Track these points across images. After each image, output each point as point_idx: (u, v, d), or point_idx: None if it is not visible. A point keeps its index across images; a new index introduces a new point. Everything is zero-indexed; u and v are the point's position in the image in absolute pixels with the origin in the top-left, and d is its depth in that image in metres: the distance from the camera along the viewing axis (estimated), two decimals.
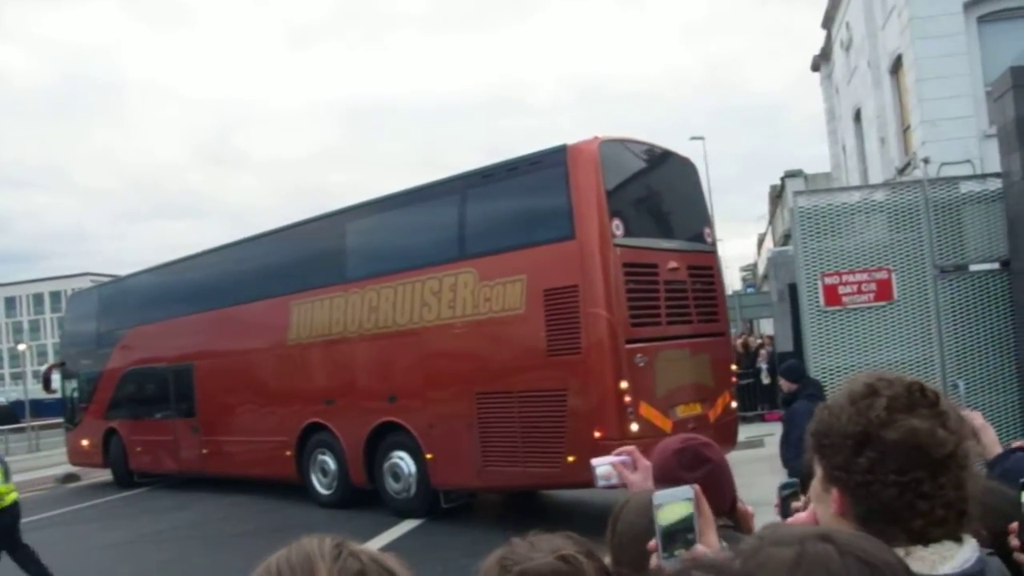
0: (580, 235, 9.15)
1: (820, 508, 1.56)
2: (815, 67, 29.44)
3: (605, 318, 8.93)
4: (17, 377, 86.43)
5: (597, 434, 8.78)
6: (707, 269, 10.71)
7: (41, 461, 23.21)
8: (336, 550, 1.18)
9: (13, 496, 9.01)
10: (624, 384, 8.89)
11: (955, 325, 10.23)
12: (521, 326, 9.52)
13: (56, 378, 18.88)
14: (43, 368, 21.34)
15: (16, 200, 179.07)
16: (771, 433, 12.31)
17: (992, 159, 11.89)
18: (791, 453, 7.76)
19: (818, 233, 10.62)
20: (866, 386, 1.49)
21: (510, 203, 10.24)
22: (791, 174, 31.42)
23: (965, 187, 10.69)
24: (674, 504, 1.86)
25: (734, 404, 10.95)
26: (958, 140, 14.14)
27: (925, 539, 1.39)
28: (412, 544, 9.78)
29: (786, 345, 15.93)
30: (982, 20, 15.75)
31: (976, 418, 2.49)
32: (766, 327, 26.39)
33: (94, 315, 17.58)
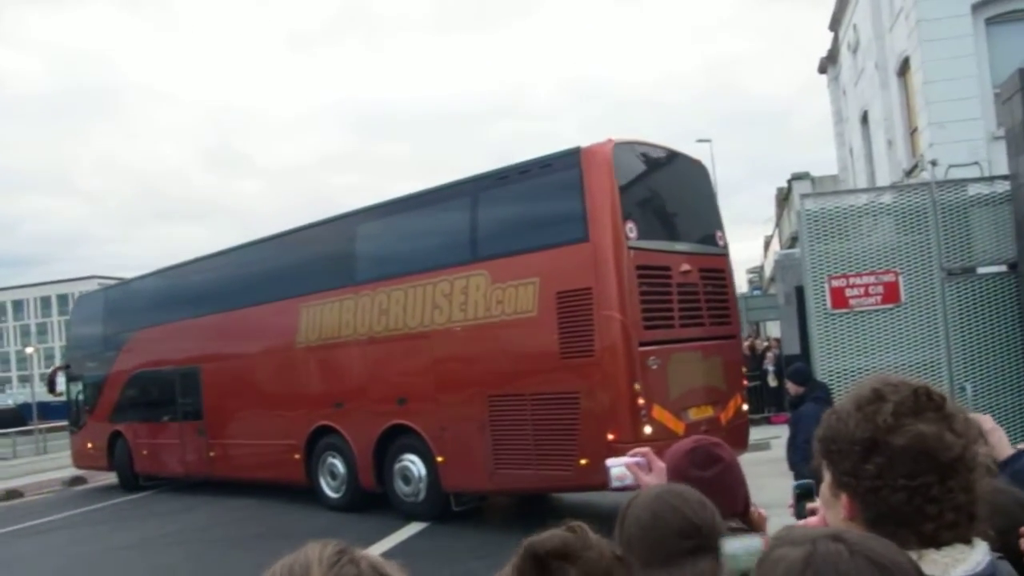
0: (594, 237, 9.15)
1: (830, 513, 1.56)
2: (822, 69, 29.36)
3: (619, 321, 8.93)
4: (25, 380, 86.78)
5: (610, 436, 8.78)
6: (719, 272, 10.70)
7: (48, 464, 23.27)
8: (335, 556, 1.19)
9: None
10: (638, 386, 8.89)
11: (962, 328, 10.19)
12: (534, 329, 9.51)
13: (61, 380, 18.89)
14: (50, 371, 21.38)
15: (20, 204, 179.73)
16: (777, 436, 12.28)
17: (1000, 161, 11.84)
18: (798, 456, 7.74)
19: (825, 236, 10.59)
20: (872, 391, 1.49)
21: (523, 205, 10.24)
22: (798, 176, 31.33)
23: (973, 189, 10.65)
24: (747, 556, 1.93)
25: (745, 407, 10.93)
26: (966, 142, 14.08)
27: (936, 543, 1.38)
28: (419, 547, 9.78)
29: (793, 348, 15.91)
30: (990, 22, 15.69)
31: (986, 421, 2.48)
32: (773, 330, 26.35)
33: (100, 318, 17.59)
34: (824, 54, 28.32)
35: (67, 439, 19.36)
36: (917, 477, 1.40)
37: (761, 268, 49.94)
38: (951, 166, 12.26)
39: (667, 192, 10.45)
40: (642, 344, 9.06)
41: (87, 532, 12.80)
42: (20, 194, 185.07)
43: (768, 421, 17.24)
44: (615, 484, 2.50)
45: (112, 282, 24.30)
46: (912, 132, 18.32)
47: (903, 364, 9.96)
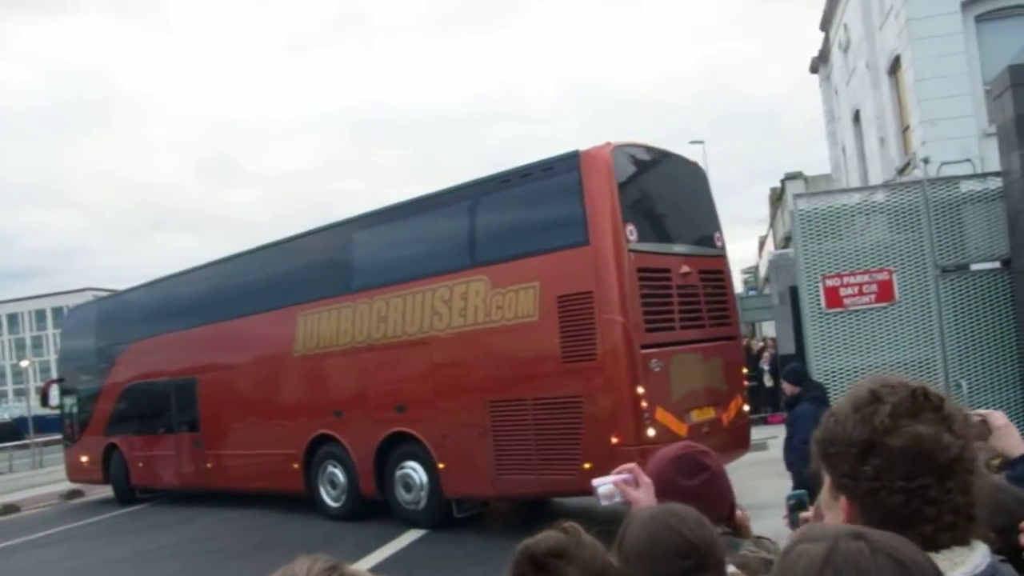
0: (595, 241, 9.14)
1: (829, 516, 1.55)
2: (814, 69, 29.44)
3: (621, 324, 8.91)
4: (20, 393, 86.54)
5: (614, 440, 8.76)
6: (718, 273, 10.72)
7: (45, 477, 23.22)
8: (328, 573, 1.16)
9: None
10: (641, 389, 8.88)
11: (957, 325, 10.20)
12: (534, 333, 9.49)
13: (55, 394, 18.78)
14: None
15: (17, 217, 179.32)
16: (774, 436, 12.27)
17: (992, 158, 11.86)
18: (795, 456, 7.74)
19: (818, 235, 10.59)
20: (870, 392, 1.48)
21: (522, 210, 10.22)
22: (791, 176, 31.41)
23: (965, 186, 10.66)
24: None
25: (747, 407, 10.94)
26: (958, 139, 14.11)
27: (935, 545, 1.36)
28: (417, 554, 9.76)
29: (788, 348, 15.92)
30: (980, 19, 15.74)
31: (998, 418, 2.46)
32: (768, 330, 26.35)
33: (93, 330, 17.48)
34: (815, 54, 28.39)
35: (63, 453, 19.24)
36: (915, 479, 1.39)
37: (756, 268, 50.01)
38: (943, 163, 12.27)
39: (665, 194, 10.44)
40: (644, 347, 9.05)
41: (83, 546, 12.74)
42: (17, 207, 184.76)
43: (765, 421, 17.23)
44: (603, 502, 2.49)
45: (106, 294, 24.18)
46: (904, 130, 18.37)
47: (898, 362, 9.95)
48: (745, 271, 58.39)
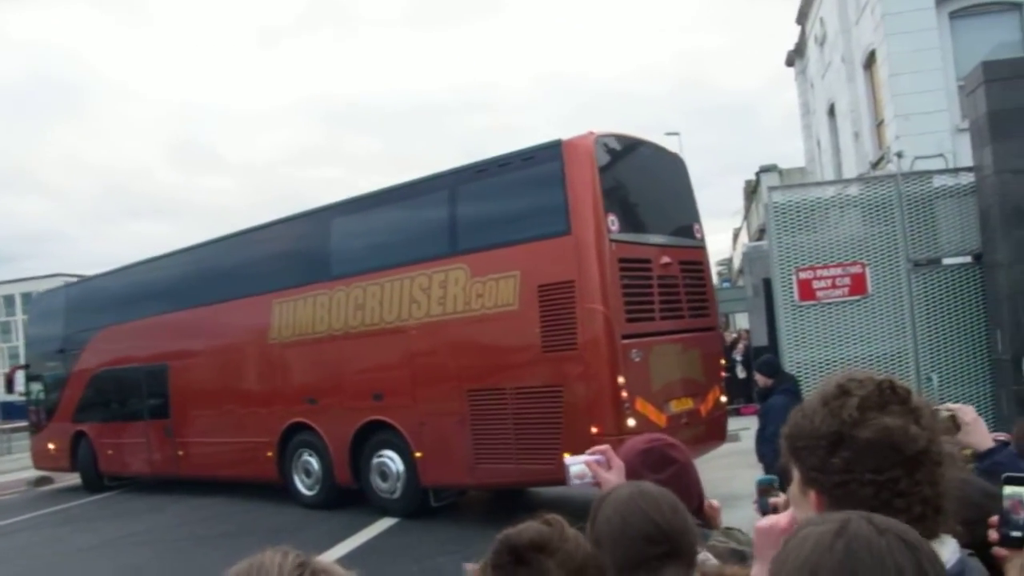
0: (576, 230, 9.11)
1: (799, 512, 1.54)
2: (789, 62, 29.56)
3: (602, 313, 8.92)
4: None
5: (594, 430, 8.76)
6: (697, 264, 10.75)
7: (12, 464, 22.92)
8: (297, 570, 1.13)
9: None
10: (621, 379, 8.88)
11: (928, 318, 10.29)
12: (515, 322, 9.46)
13: (20, 380, 18.50)
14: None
15: None
16: (747, 427, 12.34)
17: (964, 153, 11.96)
18: (767, 448, 7.78)
19: (793, 228, 10.64)
20: (838, 387, 1.50)
21: (503, 199, 10.18)
22: (766, 169, 31.53)
23: (938, 181, 10.75)
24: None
25: (724, 399, 11.00)
26: (931, 134, 14.22)
27: None
28: (389, 543, 9.73)
29: (761, 340, 16.00)
30: (954, 16, 15.87)
31: (967, 412, 2.48)
32: (741, 321, 26.51)
33: (61, 316, 17.24)
34: (792, 47, 28.50)
35: (29, 440, 18.99)
36: (884, 471, 1.40)
37: (730, 260, 50.30)
38: (916, 158, 12.35)
39: (647, 185, 10.44)
40: (625, 337, 9.06)
41: (51, 534, 12.59)
42: None
43: (737, 412, 17.30)
44: (575, 482, 2.49)
45: (76, 280, 23.84)
46: (878, 124, 18.50)
47: (870, 355, 10.04)
48: (719, 263, 58.71)
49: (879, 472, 1.40)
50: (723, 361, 11.78)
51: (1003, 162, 9.46)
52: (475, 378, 9.86)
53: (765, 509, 2.23)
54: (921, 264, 10.44)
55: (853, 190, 11.39)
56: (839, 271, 10.41)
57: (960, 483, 1.61)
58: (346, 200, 12.08)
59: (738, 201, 40.42)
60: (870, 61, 18.42)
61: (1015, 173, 9.39)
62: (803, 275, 10.48)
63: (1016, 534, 1.59)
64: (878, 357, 10.03)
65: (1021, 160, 9.36)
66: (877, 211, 10.50)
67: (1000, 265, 9.64)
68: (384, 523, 10.55)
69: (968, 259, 10.45)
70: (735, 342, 20.33)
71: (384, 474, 10.90)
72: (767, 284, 12.70)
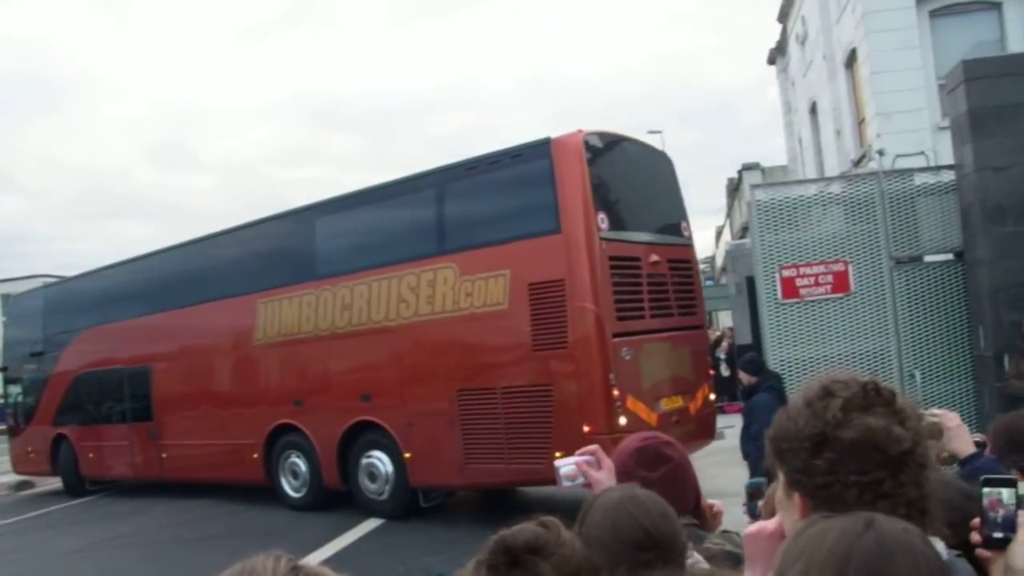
0: (566, 229, 9.11)
1: (784, 516, 1.54)
2: (771, 60, 29.65)
3: (593, 312, 8.92)
4: None
5: (586, 428, 8.77)
6: (686, 262, 10.82)
7: None
8: (292, 574, 1.12)
9: None
10: (612, 377, 8.90)
11: (911, 316, 10.34)
12: (504, 321, 9.46)
13: None
14: None
15: None
16: (731, 425, 12.38)
17: (945, 151, 12.04)
18: (751, 446, 7.81)
19: (775, 226, 10.67)
20: (822, 388, 1.50)
21: (492, 197, 10.17)
22: (748, 167, 31.67)
23: (919, 179, 10.80)
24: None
25: (713, 396, 11.04)
26: (912, 132, 14.31)
27: None
28: (375, 543, 9.71)
29: (744, 338, 16.05)
30: (934, 14, 15.97)
31: (951, 419, 2.50)
32: (724, 319, 26.61)
33: (40, 317, 17.05)
34: (773, 45, 28.60)
35: (8, 443, 18.78)
36: (868, 472, 1.40)
37: (712, 258, 50.44)
38: (897, 156, 12.44)
39: (636, 183, 10.45)
40: (615, 335, 9.08)
41: (34, 538, 12.48)
42: None
43: (721, 411, 17.33)
44: (565, 483, 2.48)
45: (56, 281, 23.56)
46: (860, 122, 18.58)
47: (853, 353, 10.09)
48: (702, 261, 58.87)
49: (863, 473, 1.40)
50: (711, 359, 11.83)
51: (984, 160, 9.52)
52: (464, 377, 9.84)
53: (754, 513, 2.24)
54: (903, 262, 10.49)
55: (835, 188, 11.43)
56: (822, 269, 10.45)
57: (942, 485, 1.62)
58: (333, 198, 12.01)
59: (720, 199, 40.60)
60: (851, 59, 18.51)
61: (996, 171, 9.45)
62: (786, 273, 10.51)
63: (998, 535, 1.60)
64: (861, 355, 10.07)
65: (1001, 158, 9.42)
66: (859, 209, 10.55)
67: (981, 262, 9.70)
68: (370, 524, 10.53)
69: (950, 256, 10.51)
70: (719, 340, 20.38)
71: (373, 475, 10.86)
72: (750, 282, 12.74)
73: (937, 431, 2.42)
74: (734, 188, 35.72)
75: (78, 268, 17.24)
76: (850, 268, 10.42)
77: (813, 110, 23.62)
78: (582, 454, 2.50)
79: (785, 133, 29.58)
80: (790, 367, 10.00)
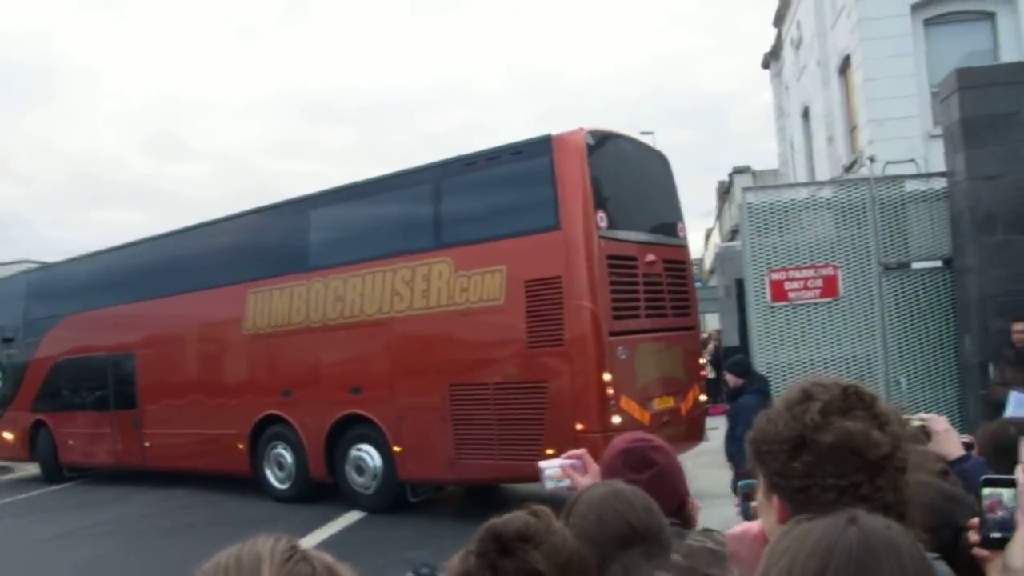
0: (566, 226, 9.12)
1: (764, 518, 1.55)
2: (765, 64, 29.71)
3: (590, 310, 8.92)
4: None
5: (579, 426, 8.77)
6: (680, 263, 10.81)
7: None
8: (288, 552, 1.13)
9: None
10: (607, 376, 8.91)
11: (898, 322, 10.38)
12: (500, 317, 9.44)
13: None
14: None
15: None
16: (715, 427, 12.38)
17: (936, 159, 12.07)
18: (736, 448, 7.80)
19: (766, 229, 10.69)
20: (802, 391, 1.50)
21: (489, 193, 10.16)
22: (739, 170, 31.70)
23: (910, 186, 10.85)
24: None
25: (704, 397, 11.06)
26: (904, 140, 14.34)
27: None
28: (355, 537, 9.68)
29: (732, 340, 16.09)
30: (928, 23, 16.01)
31: (939, 423, 2.51)
32: (712, 322, 26.64)
33: (22, 302, 16.90)
34: (768, 50, 28.66)
35: None
36: (846, 476, 1.40)
37: (701, 260, 50.57)
38: (889, 163, 12.43)
39: (634, 182, 10.46)
40: (611, 334, 9.08)
41: (11, 524, 12.38)
42: None
43: (706, 412, 17.37)
44: (549, 485, 2.48)
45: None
46: (852, 128, 18.63)
47: (840, 357, 10.12)
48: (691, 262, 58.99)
49: (841, 477, 1.40)
50: (702, 361, 11.87)
51: (975, 169, 9.55)
52: (458, 372, 9.81)
53: (748, 514, 2.22)
54: (892, 267, 10.52)
55: (826, 192, 11.46)
56: (811, 273, 10.47)
57: (923, 487, 1.62)
58: (329, 190, 11.97)
59: (711, 202, 40.67)
60: (845, 65, 18.55)
61: (987, 179, 9.48)
62: (775, 276, 10.53)
63: (996, 535, 1.58)
64: (848, 359, 10.11)
65: (993, 167, 9.46)
66: (850, 214, 10.58)
67: (970, 270, 9.74)
68: (351, 516, 10.50)
69: (938, 263, 10.55)
70: (704, 342, 20.41)
71: (360, 468, 10.80)
72: (739, 284, 12.76)
73: (921, 435, 2.42)
74: (725, 191, 35.80)
75: (67, 254, 17.08)
76: (839, 273, 10.45)
77: (806, 115, 23.67)
78: (568, 457, 2.49)
79: (777, 137, 29.63)
80: (777, 370, 10.01)
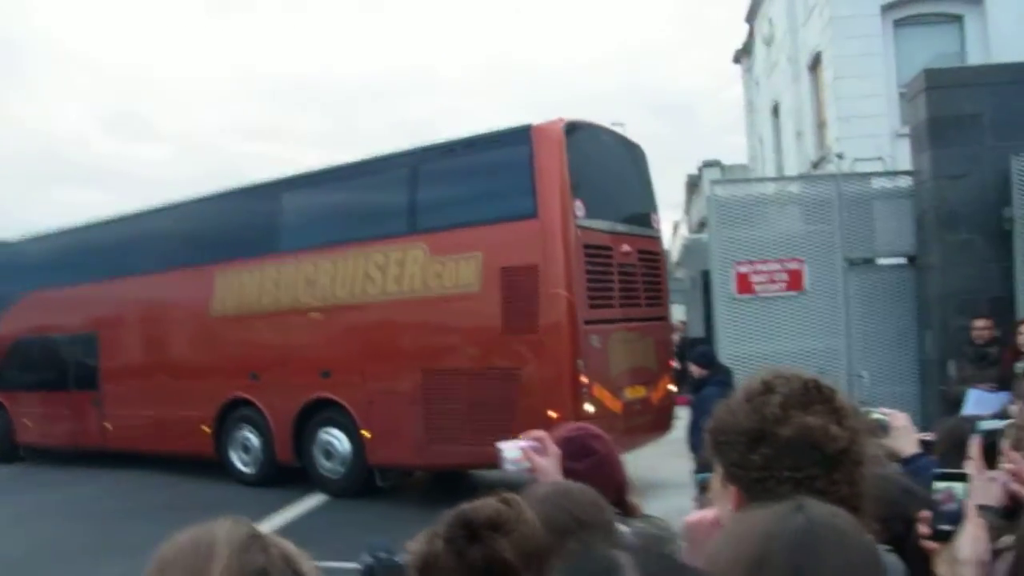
0: (543, 215, 9.15)
1: (720, 506, 1.56)
2: (736, 60, 29.87)
3: (566, 298, 8.96)
4: None
5: (552, 414, 8.73)
6: (654, 254, 10.90)
7: None
8: (247, 541, 1.11)
9: None
10: (581, 364, 8.95)
11: (863, 317, 10.51)
12: (475, 303, 9.45)
13: None
14: None
15: None
16: (678, 417, 12.48)
17: (902, 157, 12.22)
18: (698, 439, 7.82)
19: (733, 222, 10.76)
20: (763, 383, 1.51)
21: (467, 180, 10.16)
22: (708, 164, 31.85)
23: (876, 183, 10.98)
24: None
25: (673, 388, 11.12)
26: (871, 138, 14.48)
27: None
28: (317, 521, 9.64)
29: (697, 332, 16.20)
30: (898, 24, 16.20)
31: (899, 419, 2.54)
32: (677, 313, 26.79)
33: None
34: (739, 45, 28.79)
35: None
36: (803, 469, 1.42)
37: (668, 252, 50.84)
38: (856, 160, 12.57)
39: (611, 173, 10.54)
40: (586, 323, 9.14)
41: None
42: None
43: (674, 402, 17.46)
44: (509, 466, 2.49)
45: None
46: (820, 125, 18.80)
47: (804, 350, 10.20)
48: None
49: (798, 470, 1.42)
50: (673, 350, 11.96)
51: (941, 168, 9.68)
52: (430, 358, 9.81)
53: (705, 507, 2.24)
54: (856, 263, 10.64)
55: (794, 187, 11.59)
56: (777, 266, 10.56)
57: (880, 480, 1.65)
58: (304, 173, 11.83)
59: (679, 194, 40.79)
60: (815, 63, 18.70)
61: (952, 179, 9.62)
62: (741, 269, 10.60)
63: (945, 527, 1.62)
64: (811, 353, 10.19)
65: (958, 167, 9.60)
66: (817, 209, 10.68)
67: (933, 268, 9.88)
68: (313, 500, 10.47)
69: (902, 260, 10.69)
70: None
71: (329, 453, 10.76)
72: (705, 276, 12.84)
73: (880, 429, 2.45)
74: (693, 184, 35.95)
75: (22, 232, 16.65)
76: (805, 267, 10.54)
77: (775, 111, 23.83)
78: (528, 438, 2.51)
79: (747, 132, 29.82)
80: (741, 362, 10.06)
